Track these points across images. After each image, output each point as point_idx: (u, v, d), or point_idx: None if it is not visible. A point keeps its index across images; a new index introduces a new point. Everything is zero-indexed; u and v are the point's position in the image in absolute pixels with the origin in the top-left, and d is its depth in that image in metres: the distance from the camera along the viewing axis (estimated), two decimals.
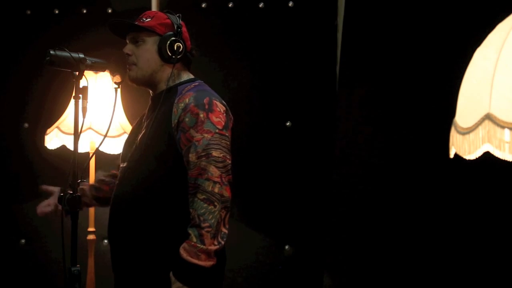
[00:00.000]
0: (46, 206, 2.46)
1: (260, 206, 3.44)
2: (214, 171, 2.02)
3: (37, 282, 3.61)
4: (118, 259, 2.19)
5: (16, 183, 3.68)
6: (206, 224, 1.99)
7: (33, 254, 3.64)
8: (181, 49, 2.21)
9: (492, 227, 2.92)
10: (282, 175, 3.42)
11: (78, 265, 2.01)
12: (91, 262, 3.19)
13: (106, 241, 3.49)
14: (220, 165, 2.04)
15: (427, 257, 3.05)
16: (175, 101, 2.14)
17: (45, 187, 2.49)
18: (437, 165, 3.00)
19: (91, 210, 3.20)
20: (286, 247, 3.41)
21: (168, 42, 2.19)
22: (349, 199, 3.23)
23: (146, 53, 2.21)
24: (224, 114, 2.14)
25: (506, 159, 1.51)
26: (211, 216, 1.99)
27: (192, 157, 2.05)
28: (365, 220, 3.19)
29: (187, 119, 2.08)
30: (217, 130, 2.08)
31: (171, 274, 2.02)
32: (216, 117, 2.10)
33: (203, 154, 2.04)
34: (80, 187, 2.35)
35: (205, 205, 2.00)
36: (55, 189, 2.45)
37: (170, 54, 2.20)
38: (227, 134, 2.11)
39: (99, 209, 3.18)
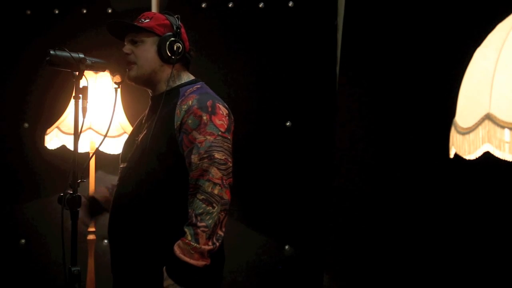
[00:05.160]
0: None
1: (260, 206, 3.44)
2: (215, 173, 2.03)
3: (37, 282, 3.61)
4: (118, 259, 2.19)
5: (16, 183, 3.68)
6: (203, 224, 2.00)
7: (33, 254, 3.63)
8: (180, 50, 2.21)
9: (492, 227, 2.92)
10: (282, 175, 3.42)
11: (78, 265, 2.01)
12: (91, 262, 3.19)
13: (106, 241, 3.49)
14: (222, 167, 2.05)
15: (427, 257, 3.05)
16: (178, 103, 2.15)
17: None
18: (437, 165, 3.00)
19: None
20: (286, 247, 3.41)
21: (168, 42, 2.20)
22: (349, 199, 3.23)
23: (146, 53, 2.21)
24: (227, 117, 2.15)
25: (506, 159, 1.51)
26: (208, 216, 2.00)
27: (194, 158, 2.06)
28: (365, 220, 3.19)
29: (190, 121, 2.09)
30: (219, 133, 2.08)
31: (164, 269, 2.03)
32: (219, 120, 2.11)
33: (205, 156, 2.04)
34: (102, 194, 2.36)
35: (204, 205, 2.01)
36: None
37: (169, 55, 2.20)
38: (229, 137, 2.12)
39: None
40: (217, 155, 2.05)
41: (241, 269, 3.40)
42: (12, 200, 3.67)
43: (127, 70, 2.25)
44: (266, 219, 3.43)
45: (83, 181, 2.16)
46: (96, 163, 3.26)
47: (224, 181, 2.04)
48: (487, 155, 1.52)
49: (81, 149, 3.14)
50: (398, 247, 3.11)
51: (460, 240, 2.98)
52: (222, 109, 2.15)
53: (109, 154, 3.28)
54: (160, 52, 2.20)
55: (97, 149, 2.40)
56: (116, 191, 2.23)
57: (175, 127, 2.11)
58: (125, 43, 2.26)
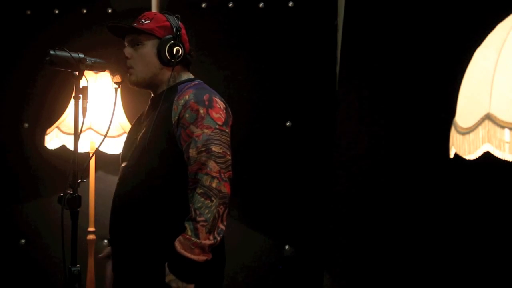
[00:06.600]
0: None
1: (260, 206, 3.44)
2: (213, 166, 2.03)
3: (37, 282, 3.61)
4: (120, 258, 2.19)
5: (16, 183, 3.67)
6: (202, 218, 2.00)
7: (33, 254, 3.63)
8: (180, 53, 2.21)
9: (492, 227, 2.92)
10: (282, 175, 3.42)
11: (78, 265, 2.01)
12: (91, 262, 3.19)
13: (106, 241, 3.49)
14: (220, 160, 2.04)
15: (427, 257, 3.05)
16: (175, 99, 2.15)
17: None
18: (437, 165, 3.00)
19: (91, 210, 3.20)
20: (286, 247, 3.41)
21: (167, 46, 2.20)
22: (349, 199, 3.23)
23: (145, 56, 2.22)
24: (224, 111, 2.15)
25: (506, 159, 1.51)
26: (207, 210, 2.00)
27: (192, 152, 2.06)
28: (365, 220, 3.19)
29: (187, 115, 2.09)
30: (217, 126, 2.09)
31: (166, 265, 2.03)
32: (216, 113, 2.11)
33: (203, 149, 2.04)
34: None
35: (202, 199, 2.01)
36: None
37: (169, 58, 2.20)
38: (227, 130, 2.12)
39: (99, 209, 3.19)
40: (214, 148, 2.05)
41: (241, 269, 3.40)
42: (12, 200, 3.67)
43: (128, 74, 2.25)
44: (266, 219, 3.43)
45: (83, 181, 2.16)
46: (96, 163, 3.27)
47: (222, 174, 2.04)
48: (487, 155, 1.52)
49: (81, 149, 3.14)
50: (398, 247, 3.11)
51: (460, 240, 2.98)
52: (219, 103, 2.15)
53: (109, 154, 3.28)
54: (160, 55, 2.20)
55: (97, 149, 2.41)
56: (117, 190, 2.23)
57: (173, 122, 2.12)
58: (125, 43, 2.26)
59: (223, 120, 2.12)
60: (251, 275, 3.42)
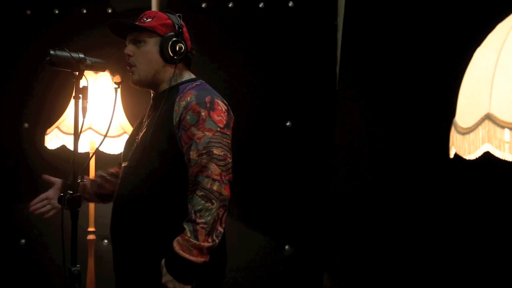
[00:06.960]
0: (40, 202, 2.42)
1: (260, 206, 3.44)
2: (214, 169, 2.03)
3: (37, 282, 3.61)
4: (120, 258, 2.19)
5: (16, 183, 3.67)
6: (202, 221, 1.99)
7: (33, 254, 3.63)
8: (182, 50, 2.21)
9: (492, 227, 2.92)
10: (282, 175, 3.42)
11: (78, 265, 2.01)
12: (91, 262, 3.19)
13: (106, 241, 3.49)
14: (221, 163, 2.04)
15: (427, 257, 3.05)
16: (177, 99, 2.15)
17: (47, 177, 2.47)
18: (437, 165, 3.00)
19: (91, 210, 3.20)
20: (286, 247, 3.41)
21: (170, 42, 2.19)
22: (349, 199, 3.23)
23: (148, 54, 2.21)
24: (226, 113, 2.14)
25: (506, 159, 1.51)
26: (207, 213, 2.00)
27: (193, 154, 2.05)
28: (365, 220, 3.19)
29: (188, 117, 2.09)
30: (218, 129, 2.08)
31: (162, 263, 2.03)
32: (218, 116, 2.10)
33: (204, 152, 2.04)
34: (82, 182, 2.35)
35: (203, 201, 2.00)
36: (57, 181, 2.43)
37: (172, 55, 2.20)
38: (228, 133, 2.12)
39: (99, 209, 3.19)
40: (215, 151, 2.05)
41: (241, 269, 3.40)
42: (12, 200, 3.67)
43: (130, 74, 2.24)
44: (266, 219, 3.43)
45: (83, 181, 2.16)
46: (96, 163, 3.26)
47: (223, 177, 2.04)
48: (487, 155, 1.52)
49: (81, 149, 3.14)
50: (398, 247, 3.11)
51: (460, 240, 2.98)
52: (221, 105, 2.15)
53: (109, 154, 3.28)
54: (163, 52, 2.20)
55: (97, 149, 2.41)
56: (118, 190, 2.23)
57: (174, 123, 2.11)
58: (127, 43, 2.26)
59: (225, 122, 2.11)
60: (251, 275, 3.42)
